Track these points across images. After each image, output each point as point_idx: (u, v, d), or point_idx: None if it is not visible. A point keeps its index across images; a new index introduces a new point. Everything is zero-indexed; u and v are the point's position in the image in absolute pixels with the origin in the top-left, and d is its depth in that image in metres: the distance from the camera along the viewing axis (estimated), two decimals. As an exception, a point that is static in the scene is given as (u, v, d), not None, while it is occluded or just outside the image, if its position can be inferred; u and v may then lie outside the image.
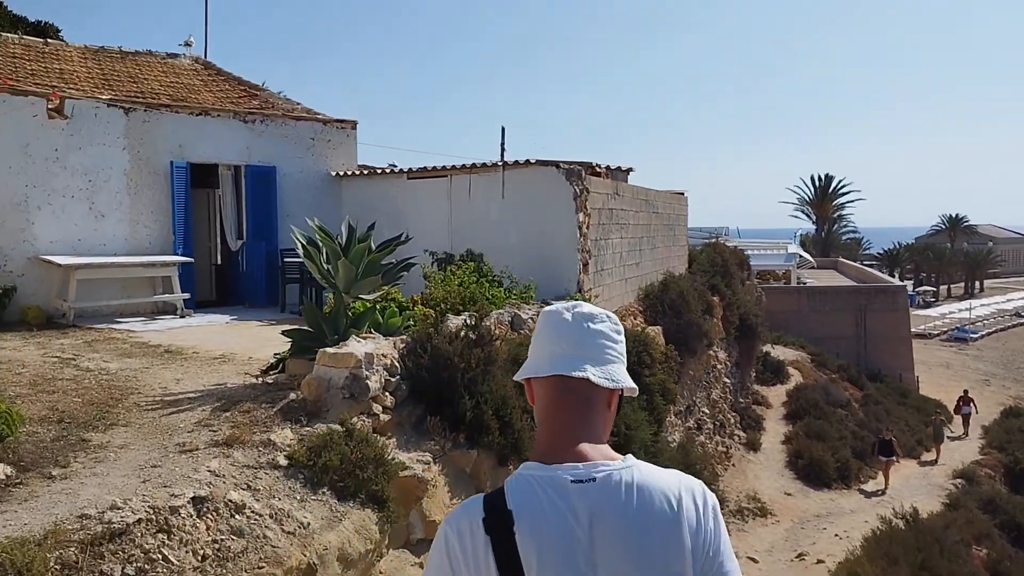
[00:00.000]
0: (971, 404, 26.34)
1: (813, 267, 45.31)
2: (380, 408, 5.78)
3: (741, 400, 20.61)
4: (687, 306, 14.32)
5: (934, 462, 21.68)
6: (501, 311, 8.61)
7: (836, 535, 14.14)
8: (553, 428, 1.64)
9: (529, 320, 8.98)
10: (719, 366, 18.01)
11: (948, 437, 23.67)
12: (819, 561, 12.37)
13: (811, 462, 18.69)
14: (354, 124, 14.92)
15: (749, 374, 22.08)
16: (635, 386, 1.72)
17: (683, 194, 19.39)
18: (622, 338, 1.73)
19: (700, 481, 1.60)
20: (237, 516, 4.12)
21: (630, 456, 1.60)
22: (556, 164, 11.20)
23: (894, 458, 19.07)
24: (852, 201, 63.54)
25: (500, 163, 11.79)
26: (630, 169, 14.73)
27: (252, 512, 4.20)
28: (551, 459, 1.58)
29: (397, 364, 6.14)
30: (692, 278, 17.23)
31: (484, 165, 12.08)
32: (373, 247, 7.07)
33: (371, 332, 6.63)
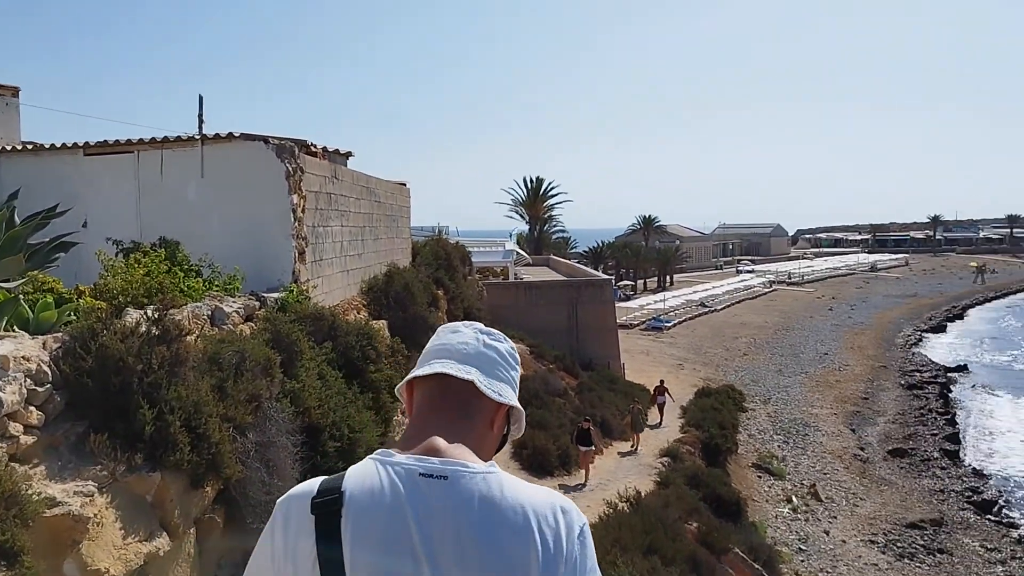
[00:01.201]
0: (666, 394, 27.98)
1: (529, 264, 47.09)
2: (21, 428, 4.38)
3: (466, 393, 20.37)
4: (412, 299, 13.69)
5: (633, 451, 22.21)
6: (198, 304, 7.30)
7: (562, 523, 14.18)
8: (419, 424, 1.53)
9: (234, 314, 7.72)
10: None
11: (648, 426, 25.09)
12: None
13: (535, 451, 18.81)
14: (15, 91, 12.52)
15: (473, 368, 21.96)
16: (523, 425, 1.63)
17: (405, 185, 18.77)
18: (518, 366, 1.64)
19: (572, 503, 1.47)
20: None
21: (495, 464, 1.47)
22: (265, 139, 9.97)
23: (592, 448, 19.17)
24: (561, 203, 67.78)
25: (198, 136, 10.31)
26: (349, 153, 13.78)
27: None
28: (408, 448, 1.47)
29: (47, 370, 4.72)
30: (416, 271, 16.67)
31: (179, 139, 10.50)
32: (17, 222, 5.52)
33: (13, 330, 5.12)
